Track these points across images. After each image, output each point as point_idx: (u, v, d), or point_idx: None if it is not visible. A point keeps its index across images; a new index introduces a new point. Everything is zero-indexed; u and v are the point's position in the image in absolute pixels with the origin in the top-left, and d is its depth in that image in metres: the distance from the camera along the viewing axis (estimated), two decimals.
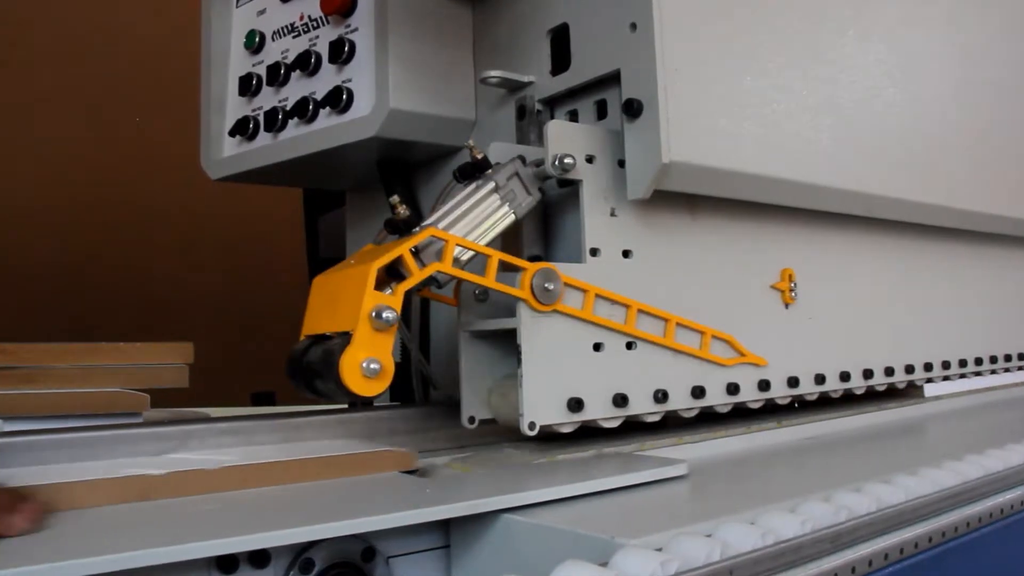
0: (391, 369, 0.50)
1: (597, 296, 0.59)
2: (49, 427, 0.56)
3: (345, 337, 0.49)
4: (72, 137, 1.58)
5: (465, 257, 0.56)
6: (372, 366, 0.49)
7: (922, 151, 0.81)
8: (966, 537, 0.50)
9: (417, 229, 0.55)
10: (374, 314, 0.49)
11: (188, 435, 0.57)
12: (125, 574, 0.35)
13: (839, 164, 0.72)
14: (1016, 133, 0.95)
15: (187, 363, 0.74)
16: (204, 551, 0.37)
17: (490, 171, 0.59)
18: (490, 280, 0.55)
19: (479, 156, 0.59)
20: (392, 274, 0.53)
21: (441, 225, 0.56)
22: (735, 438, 0.66)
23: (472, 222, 0.57)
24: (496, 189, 0.58)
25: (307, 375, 0.51)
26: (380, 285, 0.51)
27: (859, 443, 0.70)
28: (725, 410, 0.68)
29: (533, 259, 0.61)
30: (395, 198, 0.57)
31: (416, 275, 0.52)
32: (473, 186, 0.58)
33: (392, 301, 0.50)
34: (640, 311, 0.61)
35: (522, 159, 0.60)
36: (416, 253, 0.53)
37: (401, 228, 0.56)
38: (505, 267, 0.56)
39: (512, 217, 0.59)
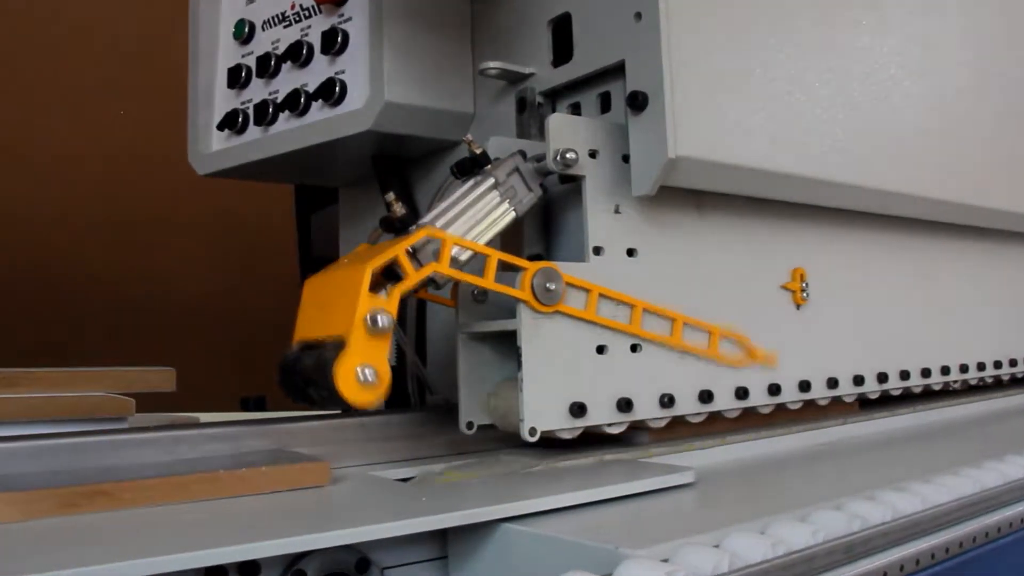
0: (387, 376, 0.49)
1: (600, 296, 0.59)
2: (31, 432, 0.56)
3: (339, 343, 0.49)
4: (53, 133, 1.56)
5: (463, 257, 0.55)
6: (367, 373, 0.48)
7: (940, 145, 0.81)
8: (985, 547, 0.50)
9: (413, 228, 0.55)
10: (369, 319, 0.49)
11: (176, 441, 0.56)
12: None
13: (852, 159, 0.71)
14: None
15: (170, 390, 0.72)
16: (191, 562, 0.36)
17: (489, 167, 0.58)
18: (489, 281, 0.55)
19: (478, 151, 0.59)
20: (387, 275, 0.52)
21: (438, 223, 0.55)
22: (744, 444, 0.66)
23: (471, 220, 0.56)
24: (495, 185, 0.58)
25: (300, 383, 0.51)
26: (375, 287, 0.50)
27: (873, 449, 0.70)
28: (734, 415, 0.67)
29: (534, 258, 0.61)
30: (390, 195, 0.57)
31: (412, 277, 0.52)
32: (472, 182, 0.58)
33: (388, 304, 0.50)
34: (645, 312, 0.61)
35: (522, 154, 0.60)
36: (412, 253, 0.53)
37: (397, 226, 0.56)
38: (505, 267, 0.56)
39: (512, 215, 0.58)
